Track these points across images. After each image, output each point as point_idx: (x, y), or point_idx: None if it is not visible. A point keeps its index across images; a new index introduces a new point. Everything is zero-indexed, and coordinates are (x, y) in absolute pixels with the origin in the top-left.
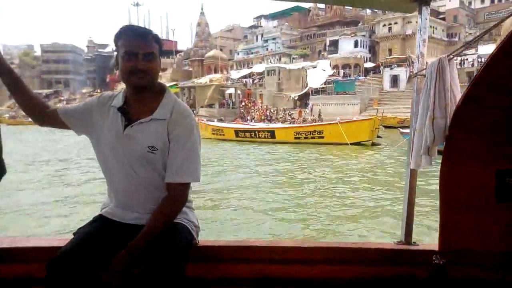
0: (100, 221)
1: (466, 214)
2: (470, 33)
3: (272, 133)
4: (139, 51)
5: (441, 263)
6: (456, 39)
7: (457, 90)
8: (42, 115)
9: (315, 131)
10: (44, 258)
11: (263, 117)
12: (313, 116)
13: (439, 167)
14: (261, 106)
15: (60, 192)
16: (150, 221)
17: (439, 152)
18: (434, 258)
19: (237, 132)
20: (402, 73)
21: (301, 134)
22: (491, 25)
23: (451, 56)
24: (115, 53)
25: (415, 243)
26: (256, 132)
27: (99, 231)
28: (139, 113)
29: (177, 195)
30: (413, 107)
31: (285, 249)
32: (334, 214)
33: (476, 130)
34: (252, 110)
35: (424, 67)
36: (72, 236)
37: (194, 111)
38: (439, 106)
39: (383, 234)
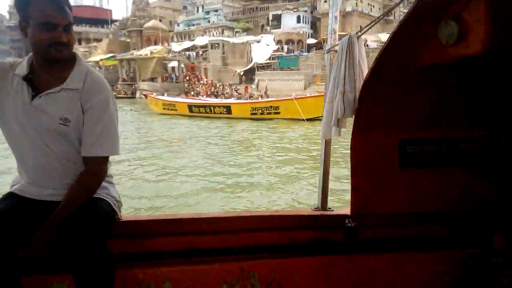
0: (11, 198)
1: (373, 180)
2: (404, 12)
3: (228, 109)
4: (60, 22)
5: (353, 226)
6: (392, 17)
7: (364, 65)
8: None
9: (271, 107)
10: None
11: (209, 93)
12: (260, 92)
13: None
14: (207, 81)
15: None
16: (67, 196)
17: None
18: (346, 222)
19: (191, 107)
20: None
21: (257, 110)
22: None
23: (359, 34)
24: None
25: (330, 209)
26: (212, 108)
27: (11, 209)
28: (48, 83)
29: (95, 169)
30: (327, 82)
31: (210, 220)
32: (266, 184)
33: (381, 103)
34: (197, 85)
35: (337, 43)
36: None
37: (136, 85)
38: (348, 80)
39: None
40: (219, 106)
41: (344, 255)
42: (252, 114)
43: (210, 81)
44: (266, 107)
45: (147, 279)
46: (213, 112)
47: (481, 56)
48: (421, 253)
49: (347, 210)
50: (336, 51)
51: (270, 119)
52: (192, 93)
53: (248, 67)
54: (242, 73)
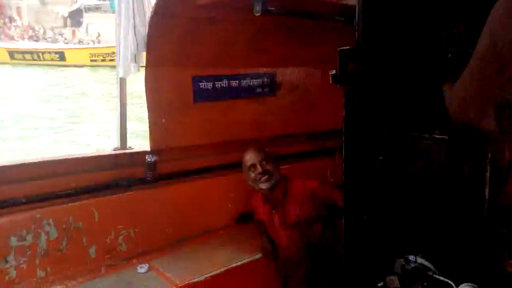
0: None
1: (170, 115)
2: None
3: (61, 55)
4: None
5: (153, 161)
6: None
7: None
8: None
9: (113, 52)
10: None
11: (26, 37)
12: (91, 36)
13: None
14: (22, 23)
15: None
16: None
17: None
18: (147, 158)
19: (12, 53)
20: None
21: (98, 56)
22: None
23: None
24: None
25: (131, 147)
26: (40, 54)
27: None
28: None
29: None
30: (117, 16)
31: None
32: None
33: (172, 39)
34: (9, 28)
35: None
36: None
37: None
38: (138, 13)
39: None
40: (49, 52)
41: (146, 190)
42: (92, 61)
43: (26, 23)
44: (109, 53)
45: None
46: (42, 59)
47: None
48: (216, 178)
49: (147, 147)
50: None
51: (114, 66)
52: (2, 36)
53: (73, 8)
54: (66, 15)
